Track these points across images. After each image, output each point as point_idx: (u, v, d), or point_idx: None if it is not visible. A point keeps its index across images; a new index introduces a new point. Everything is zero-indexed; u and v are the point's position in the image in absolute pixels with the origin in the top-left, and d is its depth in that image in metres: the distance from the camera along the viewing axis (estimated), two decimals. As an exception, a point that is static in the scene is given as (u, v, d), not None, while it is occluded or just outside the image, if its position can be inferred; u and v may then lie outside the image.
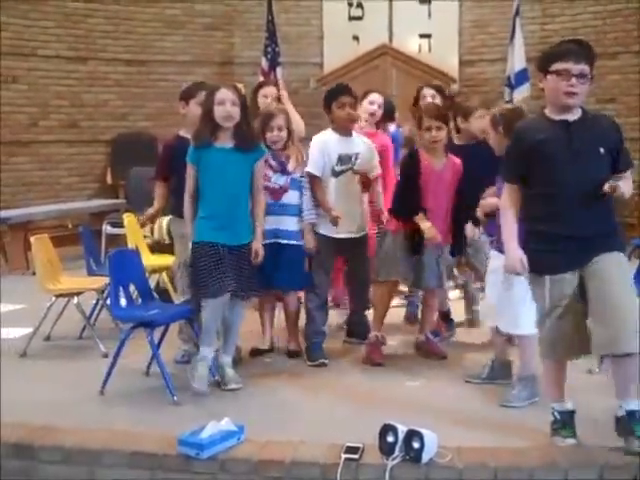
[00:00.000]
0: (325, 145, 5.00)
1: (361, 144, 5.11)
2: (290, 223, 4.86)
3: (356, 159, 5.03)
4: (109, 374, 4.37)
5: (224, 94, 4.31)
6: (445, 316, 5.47)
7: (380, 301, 4.99)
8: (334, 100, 5.01)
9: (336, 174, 5.00)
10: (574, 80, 3.29)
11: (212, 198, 4.36)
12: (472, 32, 10.45)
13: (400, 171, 5.01)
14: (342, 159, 5.00)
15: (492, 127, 4.27)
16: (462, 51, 10.45)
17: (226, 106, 4.29)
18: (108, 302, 5.59)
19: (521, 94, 9.44)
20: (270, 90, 5.46)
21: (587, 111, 3.45)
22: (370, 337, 4.95)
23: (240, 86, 4.58)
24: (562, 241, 3.36)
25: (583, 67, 3.30)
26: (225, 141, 4.36)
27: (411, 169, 4.82)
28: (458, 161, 4.92)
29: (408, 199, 4.78)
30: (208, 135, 4.33)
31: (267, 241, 4.64)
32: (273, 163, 4.81)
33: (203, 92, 4.56)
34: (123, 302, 4.62)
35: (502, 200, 3.62)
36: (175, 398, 4.19)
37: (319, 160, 4.97)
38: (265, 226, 4.60)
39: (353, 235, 5.06)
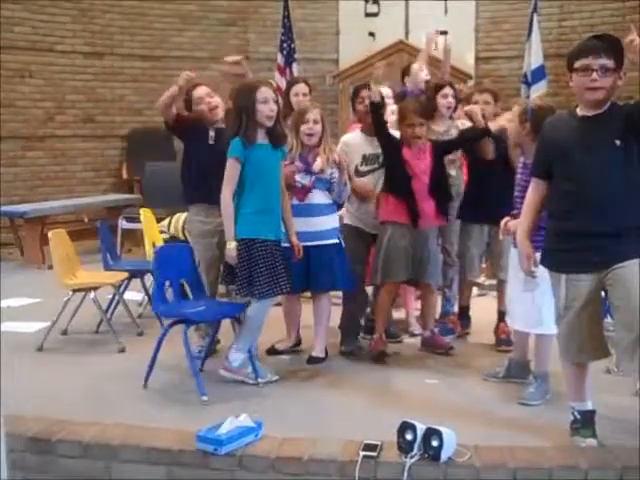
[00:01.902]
0: (346, 146, 5.04)
1: None
2: (316, 224, 4.71)
3: (380, 157, 5.01)
4: (151, 369, 4.37)
5: (267, 93, 4.31)
6: (464, 312, 5.45)
7: (381, 305, 4.98)
8: (356, 97, 5.11)
9: (361, 174, 5.01)
10: (595, 75, 3.26)
11: (260, 194, 4.34)
12: (489, 29, 10.40)
13: (383, 153, 4.98)
14: (367, 159, 5.00)
15: (519, 120, 4.23)
16: (478, 48, 10.40)
17: (270, 105, 4.29)
18: (125, 297, 5.63)
19: (538, 91, 9.37)
20: (301, 88, 5.45)
21: (615, 104, 3.38)
22: (374, 337, 4.96)
23: (272, 82, 4.58)
24: (578, 239, 3.33)
25: (604, 61, 3.26)
26: (262, 138, 4.37)
27: (392, 143, 4.87)
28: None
29: (397, 171, 4.82)
30: (255, 133, 4.32)
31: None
32: (299, 163, 4.72)
33: None
34: (169, 296, 4.57)
35: (527, 196, 3.63)
36: (205, 398, 4.14)
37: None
38: None
39: (370, 230, 5.07)
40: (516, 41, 9.98)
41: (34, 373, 4.63)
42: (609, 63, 3.27)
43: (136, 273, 5.74)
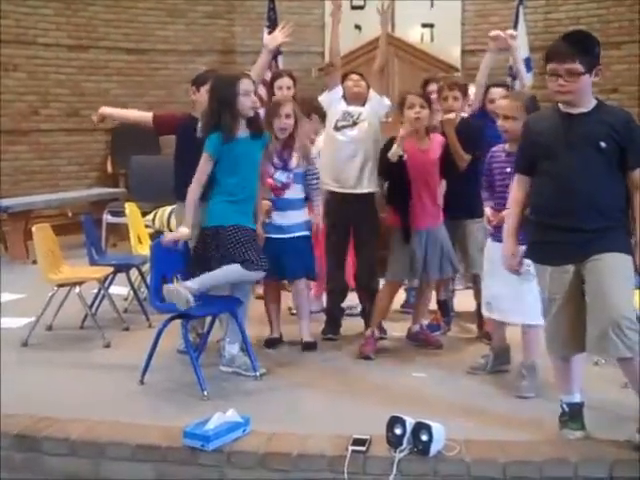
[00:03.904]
0: (336, 93, 5.18)
1: (367, 106, 5.20)
2: (294, 217, 4.88)
3: (359, 116, 5.11)
4: (147, 365, 4.33)
5: (248, 85, 4.33)
6: (443, 306, 5.42)
7: (382, 300, 4.98)
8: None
9: (337, 128, 5.15)
10: (561, 80, 3.29)
11: (238, 185, 4.35)
12: (475, 21, 10.39)
13: (380, 161, 4.96)
14: (345, 115, 5.13)
15: (524, 112, 4.03)
16: (465, 41, 10.39)
17: (251, 96, 4.32)
18: (110, 292, 5.58)
19: (524, 84, 9.38)
20: (285, 81, 5.46)
21: (602, 104, 3.41)
22: (367, 332, 4.95)
23: (248, 72, 4.59)
24: (558, 232, 3.35)
25: (569, 65, 3.26)
26: (242, 130, 4.36)
27: (392, 166, 4.82)
28: (440, 138, 4.95)
29: (397, 187, 4.85)
30: (236, 125, 4.31)
31: (272, 235, 4.77)
32: (276, 160, 4.82)
33: None
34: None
35: (511, 192, 3.65)
36: (205, 393, 4.09)
37: (326, 98, 5.22)
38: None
39: (348, 190, 5.07)
40: (502, 34, 9.97)
41: (19, 369, 4.58)
42: (575, 67, 3.26)
43: (121, 268, 5.69)
